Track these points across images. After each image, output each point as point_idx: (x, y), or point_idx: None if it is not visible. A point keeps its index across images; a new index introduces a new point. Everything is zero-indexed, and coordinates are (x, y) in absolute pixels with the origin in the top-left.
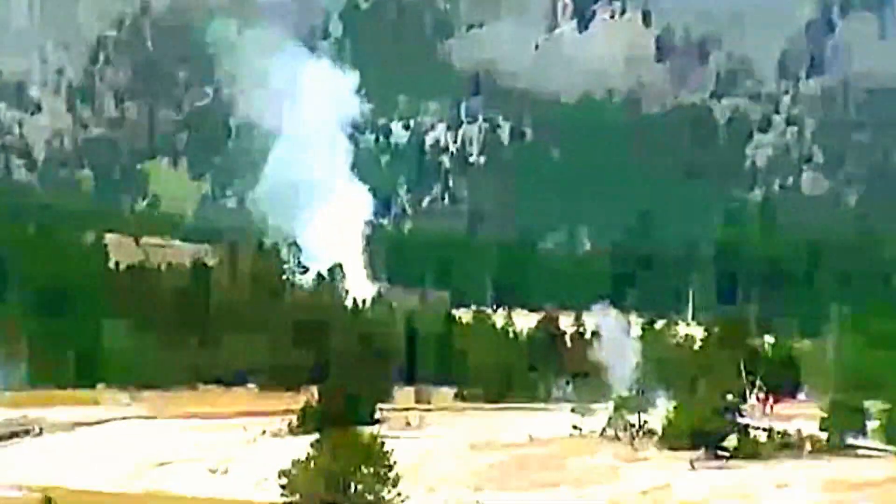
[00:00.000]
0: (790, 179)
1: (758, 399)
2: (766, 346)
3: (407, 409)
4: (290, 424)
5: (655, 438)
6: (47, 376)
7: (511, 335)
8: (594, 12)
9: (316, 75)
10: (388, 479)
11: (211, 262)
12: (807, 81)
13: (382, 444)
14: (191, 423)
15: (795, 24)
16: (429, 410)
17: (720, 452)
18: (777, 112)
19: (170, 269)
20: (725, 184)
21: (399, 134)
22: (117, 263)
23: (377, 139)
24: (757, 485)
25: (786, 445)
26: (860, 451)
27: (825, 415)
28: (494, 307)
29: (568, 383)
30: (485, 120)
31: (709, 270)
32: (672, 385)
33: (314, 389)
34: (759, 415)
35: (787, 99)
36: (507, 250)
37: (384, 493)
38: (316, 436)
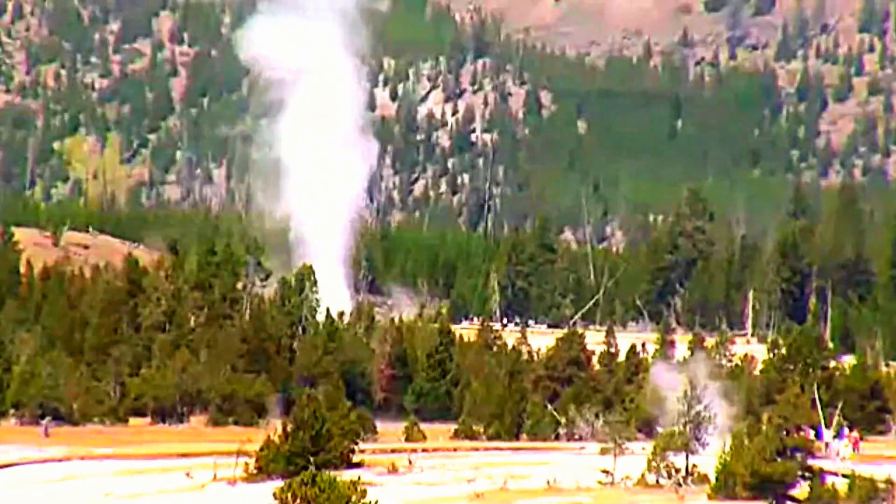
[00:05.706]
0: (875, 161)
1: (836, 436)
2: (847, 369)
3: (394, 450)
4: (246, 468)
5: (707, 486)
6: None
7: (525, 356)
8: None
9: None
10: None
11: (147, 264)
12: None
13: (364, 492)
14: (119, 465)
15: None
16: (422, 451)
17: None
18: (859, 75)
19: (95, 272)
20: (793, 166)
21: (384, 104)
22: (29, 265)
23: None
24: None
25: (873, 496)
26: None
27: None
28: (504, 321)
29: (597, 417)
30: (492, 87)
31: (772, 274)
32: (727, 419)
33: (277, 424)
34: (837, 456)
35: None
36: (520, 250)
37: None
38: (280, 483)
